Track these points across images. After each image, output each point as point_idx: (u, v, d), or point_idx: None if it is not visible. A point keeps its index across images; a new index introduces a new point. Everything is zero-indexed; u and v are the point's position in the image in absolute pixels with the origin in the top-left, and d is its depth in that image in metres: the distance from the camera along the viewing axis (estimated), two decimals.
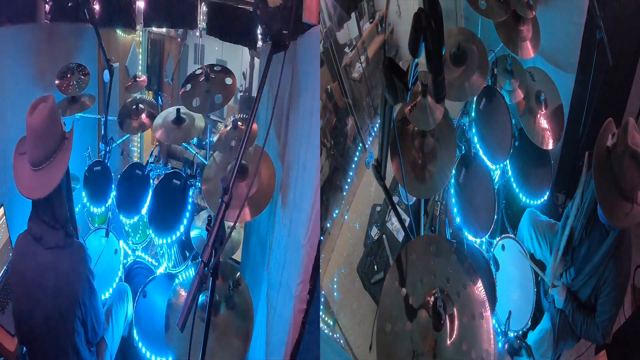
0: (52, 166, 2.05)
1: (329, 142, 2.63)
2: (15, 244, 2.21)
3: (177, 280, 2.44)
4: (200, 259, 1.49)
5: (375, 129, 3.08)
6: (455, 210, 2.58)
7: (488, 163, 2.76)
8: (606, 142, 2.29)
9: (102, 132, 3.22)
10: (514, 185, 3.04)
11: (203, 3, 3.54)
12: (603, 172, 2.24)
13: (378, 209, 3.01)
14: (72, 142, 2.12)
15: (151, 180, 3.13)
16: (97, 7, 2.81)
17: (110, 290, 2.91)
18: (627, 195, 2.21)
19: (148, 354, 2.70)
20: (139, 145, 4.27)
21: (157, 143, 3.69)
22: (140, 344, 2.72)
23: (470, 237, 2.61)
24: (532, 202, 3.06)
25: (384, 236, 2.96)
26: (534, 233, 2.96)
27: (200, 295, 1.92)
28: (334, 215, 2.64)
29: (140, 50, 4.21)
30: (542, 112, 2.97)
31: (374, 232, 2.94)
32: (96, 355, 2.36)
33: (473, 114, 2.76)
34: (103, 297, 2.85)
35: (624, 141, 2.17)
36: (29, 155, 2.06)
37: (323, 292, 2.39)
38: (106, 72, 3.23)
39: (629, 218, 2.22)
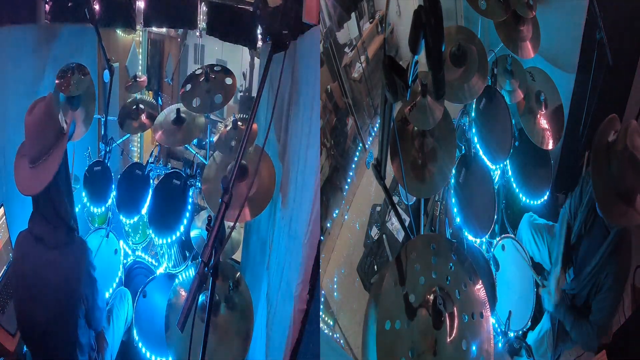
0: (48, 162, 2.06)
1: (329, 142, 2.63)
2: (15, 243, 2.21)
3: (177, 280, 2.44)
4: (200, 259, 1.49)
5: (375, 129, 3.07)
6: (455, 210, 2.58)
7: (488, 163, 2.76)
8: (607, 137, 2.27)
9: (102, 132, 3.22)
10: (514, 185, 3.04)
11: (203, 3, 3.54)
12: (601, 168, 2.23)
13: (378, 209, 3.00)
14: (67, 137, 2.13)
15: (151, 180, 3.13)
16: (97, 7, 2.81)
17: (110, 290, 2.91)
18: (623, 194, 2.21)
19: (148, 354, 2.70)
20: (139, 145, 4.27)
21: (157, 143, 3.69)
22: (140, 344, 2.72)
23: (470, 237, 2.61)
24: (532, 202, 3.06)
25: (384, 236, 2.95)
26: (531, 237, 2.95)
27: (200, 295, 1.92)
28: (334, 215, 2.63)
29: (140, 50, 4.21)
30: (542, 112, 2.97)
31: (374, 232, 2.94)
32: (97, 352, 2.36)
33: (473, 114, 2.76)
34: None
35: (624, 141, 2.17)
36: (27, 153, 2.08)
37: (323, 292, 2.39)
38: (106, 72, 3.23)
39: (625, 217, 2.22)
